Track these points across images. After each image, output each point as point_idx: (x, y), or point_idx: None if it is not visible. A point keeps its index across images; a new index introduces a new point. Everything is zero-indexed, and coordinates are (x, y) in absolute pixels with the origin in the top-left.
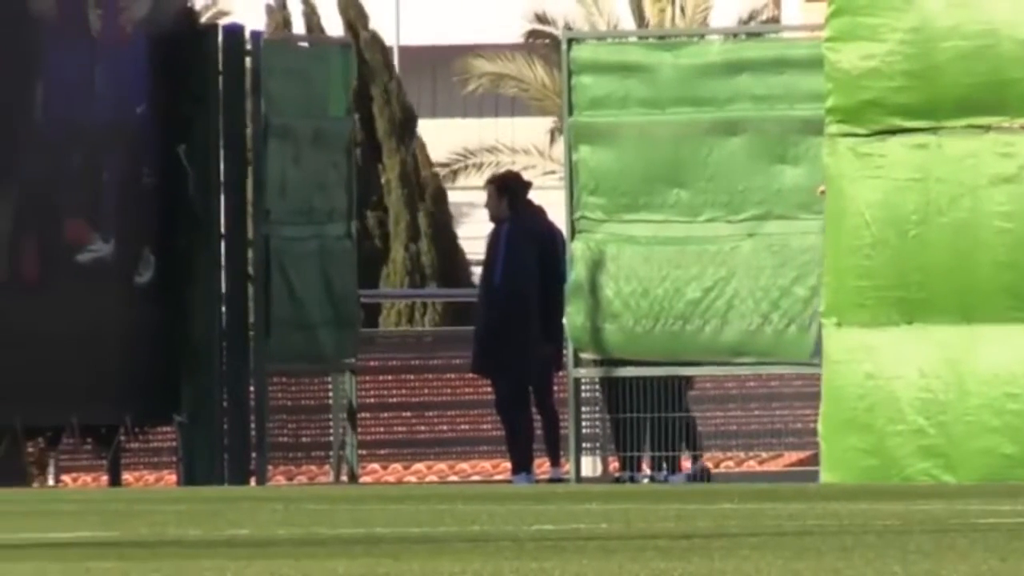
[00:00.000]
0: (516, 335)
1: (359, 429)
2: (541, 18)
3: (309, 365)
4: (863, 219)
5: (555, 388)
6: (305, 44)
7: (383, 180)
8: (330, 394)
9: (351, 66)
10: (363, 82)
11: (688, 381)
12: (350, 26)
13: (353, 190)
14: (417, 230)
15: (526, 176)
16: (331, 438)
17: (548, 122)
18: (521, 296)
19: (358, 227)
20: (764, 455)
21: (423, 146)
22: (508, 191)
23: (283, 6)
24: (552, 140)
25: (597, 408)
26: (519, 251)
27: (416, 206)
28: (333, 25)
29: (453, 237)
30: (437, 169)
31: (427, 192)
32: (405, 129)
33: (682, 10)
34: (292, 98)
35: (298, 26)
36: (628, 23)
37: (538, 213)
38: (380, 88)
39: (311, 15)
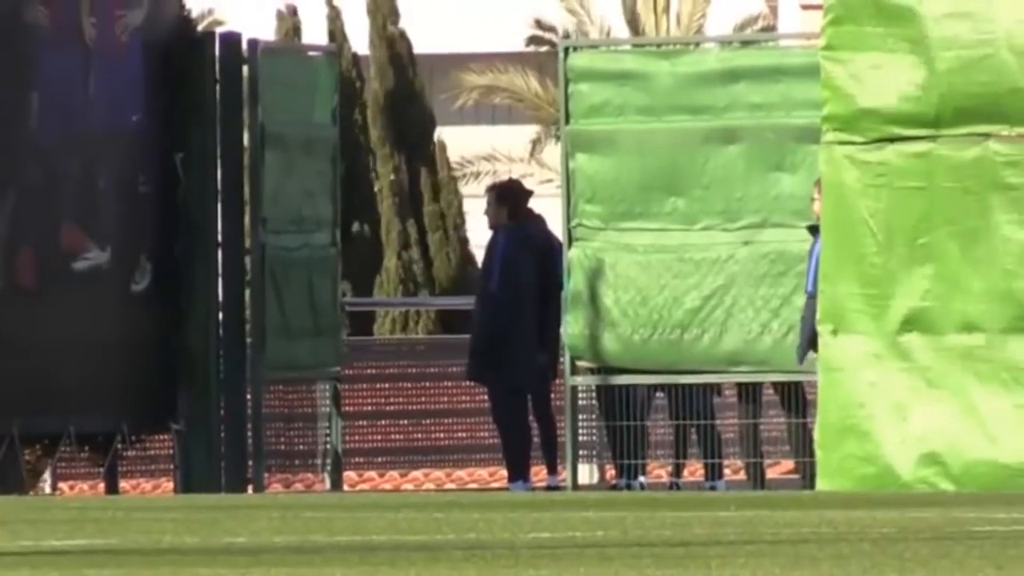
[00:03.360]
0: (512, 343)
1: (356, 437)
2: (542, 25)
3: (300, 373)
4: (867, 227)
5: (552, 396)
6: (306, 52)
7: (376, 188)
8: (325, 402)
9: (337, 74)
10: (360, 88)
11: (716, 388)
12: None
13: (337, 198)
14: (408, 238)
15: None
16: (326, 446)
17: (536, 131)
18: (517, 304)
19: (359, 233)
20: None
21: (443, 149)
22: (507, 199)
23: (293, 13)
24: (534, 149)
25: (594, 416)
26: (516, 259)
27: (407, 214)
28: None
29: (465, 243)
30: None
31: (441, 195)
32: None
33: (677, 19)
34: (283, 106)
35: (320, 31)
36: (620, 32)
37: (537, 221)
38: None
39: (335, 19)
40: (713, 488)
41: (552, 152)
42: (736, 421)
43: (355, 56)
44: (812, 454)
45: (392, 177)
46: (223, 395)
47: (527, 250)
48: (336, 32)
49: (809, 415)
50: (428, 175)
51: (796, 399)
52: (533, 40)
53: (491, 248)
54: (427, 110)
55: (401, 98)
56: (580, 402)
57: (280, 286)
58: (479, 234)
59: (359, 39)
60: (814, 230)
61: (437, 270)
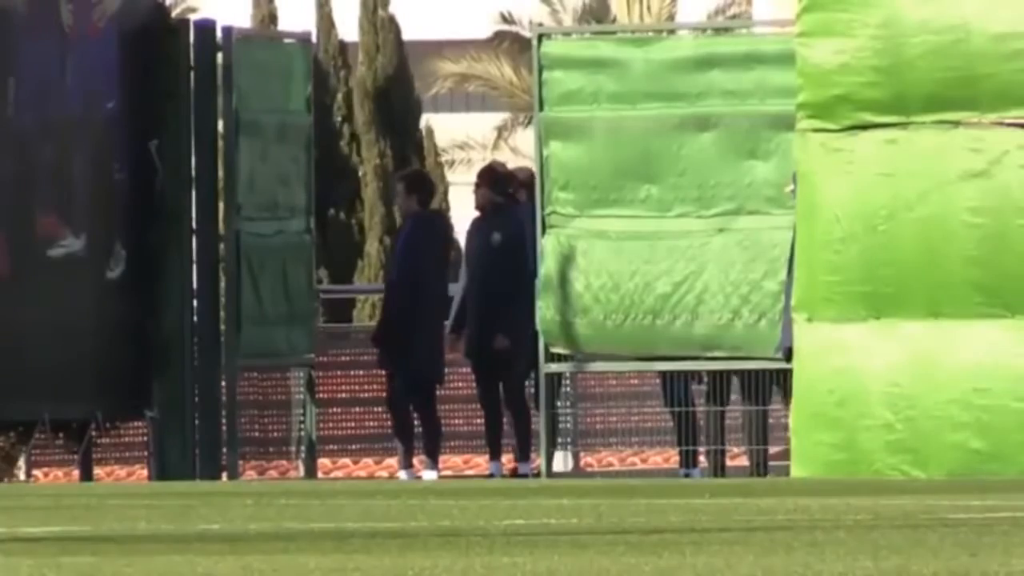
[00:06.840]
0: (415, 331)
1: (330, 424)
2: (507, 18)
3: (274, 360)
4: (833, 214)
5: (527, 383)
6: (280, 39)
7: (360, 173)
8: (299, 389)
9: (311, 61)
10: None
11: (695, 375)
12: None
13: (312, 185)
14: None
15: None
16: (300, 433)
17: (503, 118)
18: (417, 294)
19: (334, 218)
20: (736, 450)
21: (431, 134)
22: (416, 188)
23: (269, 0)
24: (499, 137)
25: (568, 403)
26: (419, 249)
27: (392, 200)
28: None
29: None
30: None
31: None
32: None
33: (648, 7)
34: (257, 93)
35: (309, 17)
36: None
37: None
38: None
39: (323, 5)
40: (688, 475)
41: (524, 139)
42: (741, 408)
43: (342, 43)
44: (765, 443)
45: (377, 162)
46: (197, 382)
47: (433, 239)
48: (323, 18)
49: (770, 404)
50: (415, 161)
51: (760, 387)
52: (499, 35)
53: (396, 237)
54: (415, 96)
55: (389, 84)
56: (566, 389)
57: (254, 273)
58: (461, 222)
59: (346, 26)
60: None
61: None
